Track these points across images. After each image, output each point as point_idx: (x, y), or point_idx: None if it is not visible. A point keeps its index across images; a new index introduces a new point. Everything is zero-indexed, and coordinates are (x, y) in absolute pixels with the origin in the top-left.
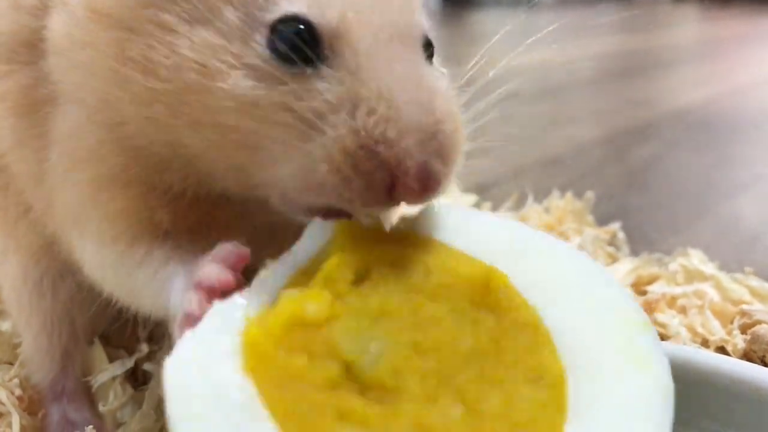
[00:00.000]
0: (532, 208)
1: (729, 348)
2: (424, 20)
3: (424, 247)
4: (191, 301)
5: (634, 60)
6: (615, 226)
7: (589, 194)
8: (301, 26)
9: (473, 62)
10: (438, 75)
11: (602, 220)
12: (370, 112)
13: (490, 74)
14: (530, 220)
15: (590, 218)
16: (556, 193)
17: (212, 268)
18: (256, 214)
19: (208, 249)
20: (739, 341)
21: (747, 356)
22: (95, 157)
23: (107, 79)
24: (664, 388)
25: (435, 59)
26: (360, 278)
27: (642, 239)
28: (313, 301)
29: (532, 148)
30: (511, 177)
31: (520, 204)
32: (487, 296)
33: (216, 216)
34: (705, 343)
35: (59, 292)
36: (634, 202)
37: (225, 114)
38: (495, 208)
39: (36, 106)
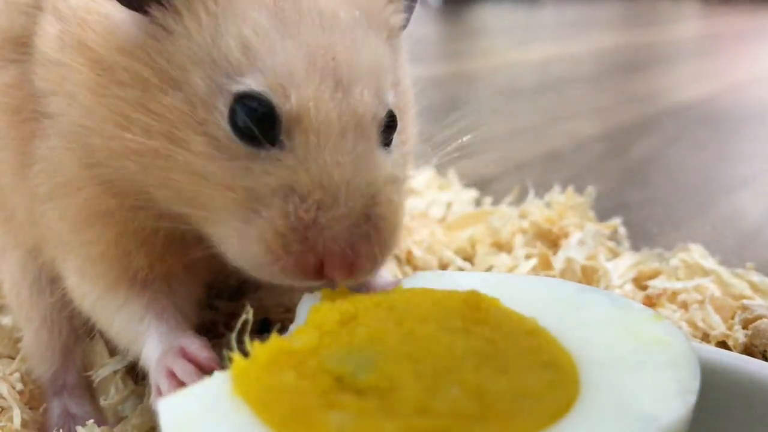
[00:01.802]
0: (532, 203)
1: (730, 343)
2: (390, 97)
3: (408, 291)
4: (164, 385)
5: (635, 55)
6: (616, 221)
7: (590, 189)
8: (263, 107)
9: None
10: (385, 159)
11: (603, 215)
12: (304, 197)
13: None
14: (531, 215)
15: (591, 213)
16: (557, 188)
17: (185, 367)
18: None
19: (184, 295)
20: (740, 336)
21: (748, 351)
22: (73, 188)
23: (83, 118)
24: (686, 361)
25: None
26: (347, 320)
27: (643, 234)
28: (299, 337)
29: (533, 143)
30: (512, 172)
31: (521, 199)
32: (477, 312)
33: (192, 256)
34: (706, 338)
35: (58, 288)
36: (635, 198)
37: (184, 184)
38: (496, 202)
39: (18, 107)
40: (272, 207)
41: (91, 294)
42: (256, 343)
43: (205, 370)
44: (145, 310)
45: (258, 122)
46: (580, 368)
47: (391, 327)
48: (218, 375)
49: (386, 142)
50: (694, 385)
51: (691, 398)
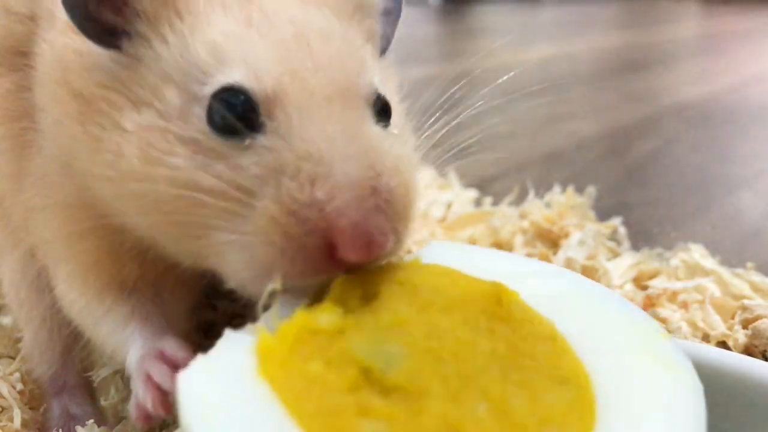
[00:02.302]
0: (533, 203)
1: (730, 343)
2: (376, 81)
3: (431, 269)
4: (140, 390)
5: (635, 55)
6: (616, 221)
7: (590, 189)
8: (239, 96)
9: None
10: (383, 133)
11: (603, 215)
12: (295, 174)
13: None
14: (531, 215)
15: (591, 213)
16: (557, 188)
17: (161, 370)
18: None
19: (172, 302)
20: (740, 336)
21: (748, 351)
22: (65, 208)
23: (71, 144)
24: (695, 389)
25: (395, 118)
26: (369, 297)
27: (643, 234)
28: (325, 313)
29: (533, 143)
30: (512, 172)
31: (521, 199)
32: (500, 309)
33: (182, 268)
34: (706, 338)
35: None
36: (635, 197)
37: (166, 201)
38: (496, 203)
39: (17, 114)
40: (264, 197)
41: (79, 301)
42: (283, 322)
43: None
44: (130, 316)
45: (236, 114)
46: (593, 384)
47: (414, 313)
48: (240, 349)
49: (381, 124)
50: (702, 418)
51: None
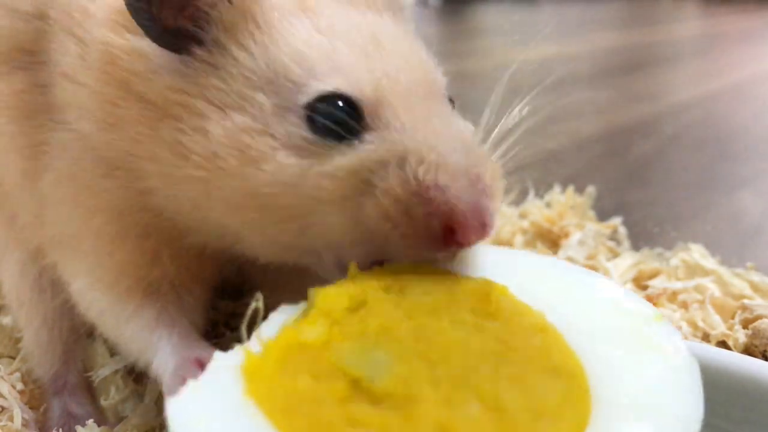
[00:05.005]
0: (533, 203)
1: (730, 342)
2: (441, 76)
3: (419, 271)
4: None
5: (635, 55)
6: (616, 220)
7: (591, 189)
8: (340, 102)
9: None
10: (466, 124)
11: (603, 215)
12: (420, 161)
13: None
14: (531, 215)
15: (591, 213)
16: (557, 188)
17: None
18: (262, 264)
19: (193, 302)
20: (741, 336)
21: (748, 351)
22: (109, 212)
23: (132, 147)
24: (690, 368)
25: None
26: (356, 306)
27: (643, 234)
28: (309, 327)
29: (533, 143)
30: (512, 172)
31: (521, 199)
32: (488, 305)
33: (217, 265)
34: (706, 338)
35: (59, 288)
36: (635, 197)
37: (268, 196)
38: None
39: (29, 113)
40: (387, 177)
41: (101, 301)
42: (268, 340)
43: None
44: (156, 320)
45: (337, 119)
46: (587, 372)
47: (401, 317)
48: (228, 370)
49: None
50: (699, 412)
51: (696, 426)
